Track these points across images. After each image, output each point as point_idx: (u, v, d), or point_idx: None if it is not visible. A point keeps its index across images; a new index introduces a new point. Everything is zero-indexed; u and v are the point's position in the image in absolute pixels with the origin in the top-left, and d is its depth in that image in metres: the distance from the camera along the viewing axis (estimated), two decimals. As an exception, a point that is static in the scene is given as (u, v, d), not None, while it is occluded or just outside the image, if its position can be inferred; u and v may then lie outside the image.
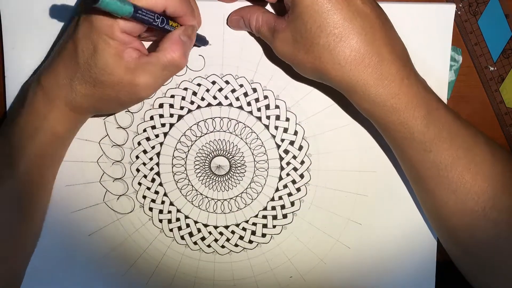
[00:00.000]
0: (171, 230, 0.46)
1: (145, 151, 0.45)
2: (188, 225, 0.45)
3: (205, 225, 0.45)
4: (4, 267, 0.41)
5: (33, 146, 0.40)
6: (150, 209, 0.46)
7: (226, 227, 0.45)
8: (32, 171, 0.41)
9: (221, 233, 0.45)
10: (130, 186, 0.45)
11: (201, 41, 0.43)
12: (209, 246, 0.46)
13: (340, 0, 0.35)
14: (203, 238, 0.46)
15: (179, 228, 0.46)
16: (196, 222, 0.45)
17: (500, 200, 0.37)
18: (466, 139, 0.38)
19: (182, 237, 0.46)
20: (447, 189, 0.38)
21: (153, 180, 0.45)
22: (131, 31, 0.36)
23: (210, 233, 0.45)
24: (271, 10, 0.42)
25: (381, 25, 0.36)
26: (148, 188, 0.45)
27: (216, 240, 0.46)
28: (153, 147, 0.45)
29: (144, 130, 0.45)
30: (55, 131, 0.40)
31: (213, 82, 0.44)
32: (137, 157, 0.45)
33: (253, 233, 0.45)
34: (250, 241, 0.45)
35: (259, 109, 0.44)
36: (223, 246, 0.46)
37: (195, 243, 0.46)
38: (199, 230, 0.45)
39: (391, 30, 0.37)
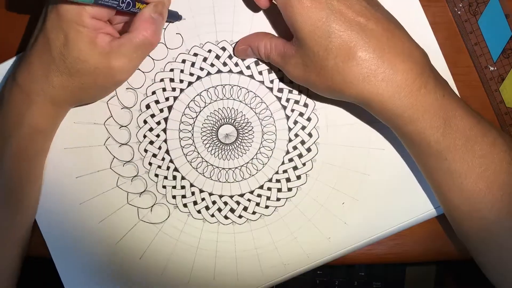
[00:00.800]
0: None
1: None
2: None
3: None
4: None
5: (14, 142, 0.40)
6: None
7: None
8: (16, 165, 0.41)
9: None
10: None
11: (173, 16, 0.42)
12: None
13: (340, 21, 0.34)
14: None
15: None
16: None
17: None
18: (483, 146, 0.36)
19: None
20: (460, 196, 0.37)
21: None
22: (100, 16, 0.36)
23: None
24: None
25: (389, 36, 0.35)
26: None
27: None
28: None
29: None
30: (35, 126, 0.40)
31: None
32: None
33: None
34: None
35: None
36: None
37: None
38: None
39: (403, 39, 0.36)
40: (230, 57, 0.43)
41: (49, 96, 0.39)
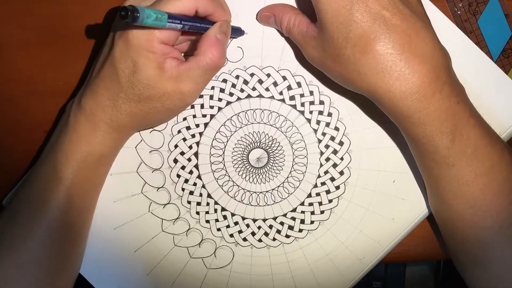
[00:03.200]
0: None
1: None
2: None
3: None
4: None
5: (81, 172, 0.40)
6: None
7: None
8: (81, 195, 0.41)
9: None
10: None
11: (237, 32, 0.42)
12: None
13: (364, 12, 0.34)
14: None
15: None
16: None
17: None
18: (491, 156, 0.36)
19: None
20: (465, 203, 0.37)
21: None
22: (168, 40, 0.36)
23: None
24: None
25: (413, 35, 0.34)
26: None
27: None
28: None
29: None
30: (100, 154, 0.41)
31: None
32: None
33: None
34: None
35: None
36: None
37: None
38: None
39: (427, 39, 0.35)
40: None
41: (115, 124, 0.39)
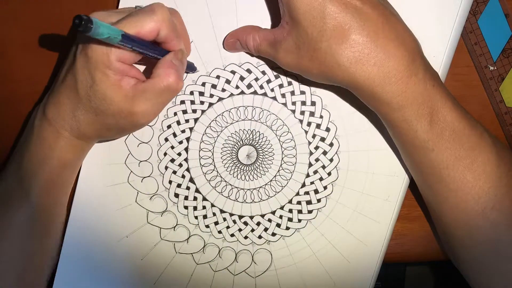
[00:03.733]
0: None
1: (172, 147, 0.45)
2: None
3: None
4: (21, 284, 0.42)
5: (44, 173, 0.41)
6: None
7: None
8: (44, 196, 0.42)
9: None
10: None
11: (190, 67, 0.43)
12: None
13: (336, 3, 0.34)
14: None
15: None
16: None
17: (502, 201, 0.37)
18: (470, 138, 0.37)
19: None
20: (447, 187, 0.38)
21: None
22: (126, 59, 0.36)
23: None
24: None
25: (384, 22, 0.35)
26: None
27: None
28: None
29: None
30: (63, 159, 0.41)
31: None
32: (165, 154, 0.45)
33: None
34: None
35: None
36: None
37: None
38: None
39: (397, 25, 0.36)
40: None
41: (76, 132, 0.40)
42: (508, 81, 0.44)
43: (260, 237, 0.46)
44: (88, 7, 0.45)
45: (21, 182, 0.41)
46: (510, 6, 0.43)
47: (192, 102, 0.44)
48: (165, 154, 0.45)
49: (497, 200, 0.37)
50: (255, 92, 0.44)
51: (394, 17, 0.36)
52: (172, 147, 0.45)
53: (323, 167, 0.44)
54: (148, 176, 0.45)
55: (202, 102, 0.44)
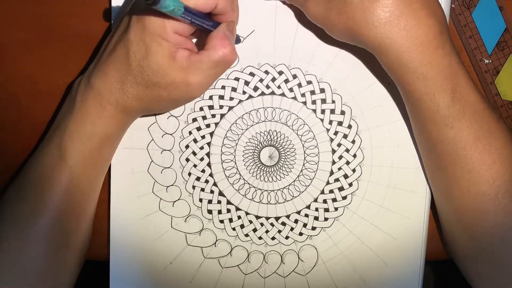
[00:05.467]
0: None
1: (194, 153, 0.45)
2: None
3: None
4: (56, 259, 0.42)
5: (86, 151, 0.40)
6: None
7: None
8: (86, 174, 0.41)
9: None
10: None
11: (236, 39, 0.42)
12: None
13: None
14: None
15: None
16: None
17: None
18: (489, 120, 0.37)
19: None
20: (462, 168, 0.37)
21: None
22: (182, 31, 0.36)
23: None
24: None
25: None
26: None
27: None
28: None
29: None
30: (105, 135, 0.41)
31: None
32: (187, 159, 0.45)
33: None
34: (301, 233, 0.45)
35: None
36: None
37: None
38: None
39: None
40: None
41: (121, 106, 0.39)
42: (503, 74, 0.43)
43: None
44: (88, 7, 0.45)
45: (62, 158, 0.40)
46: (504, -2, 0.42)
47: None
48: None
49: (510, 185, 0.37)
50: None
51: None
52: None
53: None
54: (179, 200, 0.45)
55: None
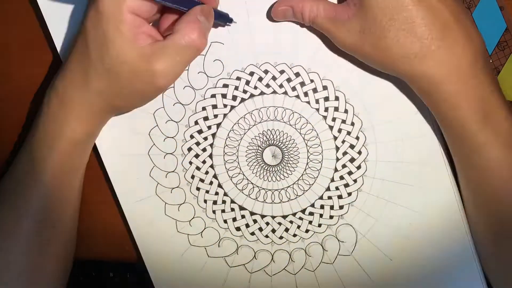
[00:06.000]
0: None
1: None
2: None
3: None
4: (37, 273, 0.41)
5: (54, 155, 0.39)
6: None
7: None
8: (56, 180, 0.40)
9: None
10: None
11: (223, 18, 0.40)
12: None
13: None
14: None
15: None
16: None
17: None
18: None
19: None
20: (485, 194, 0.39)
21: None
22: (140, 11, 0.34)
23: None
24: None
25: (455, 20, 0.35)
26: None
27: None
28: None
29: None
30: (74, 138, 0.39)
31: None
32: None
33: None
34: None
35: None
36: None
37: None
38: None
39: (467, 22, 0.36)
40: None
41: (86, 104, 0.37)
42: (504, 74, 0.43)
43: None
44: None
45: (32, 167, 0.39)
46: (504, -2, 0.42)
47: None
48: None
49: None
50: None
51: (464, 15, 0.36)
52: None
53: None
54: (194, 218, 0.46)
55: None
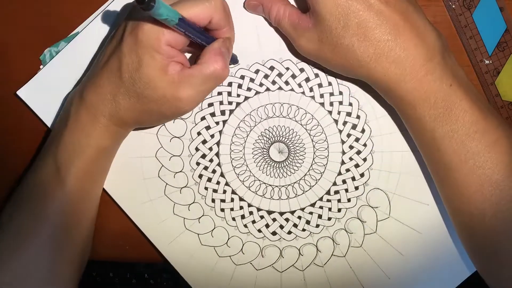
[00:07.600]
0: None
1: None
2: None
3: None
4: (53, 278, 0.41)
5: (80, 162, 0.40)
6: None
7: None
8: (79, 186, 0.41)
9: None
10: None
11: (232, 59, 0.43)
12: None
13: (362, 1, 0.35)
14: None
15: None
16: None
17: (504, 208, 0.37)
18: (480, 143, 0.37)
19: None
20: (451, 189, 0.39)
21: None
22: (175, 43, 0.36)
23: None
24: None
25: (405, 20, 0.36)
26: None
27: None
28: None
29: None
30: (100, 147, 0.41)
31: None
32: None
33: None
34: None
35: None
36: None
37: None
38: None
39: (419, 23, 0.37)
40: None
41: (114, 118, 0.39)
42: (504, 75, 0.44)
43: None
44: (88, 6, 0.44)
45: (57, 171, 0.40)
46: (504, -1, 0.43)
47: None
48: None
49: (498, 208, 0.37)
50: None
51: (416, 15, 0.37)
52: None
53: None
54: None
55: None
